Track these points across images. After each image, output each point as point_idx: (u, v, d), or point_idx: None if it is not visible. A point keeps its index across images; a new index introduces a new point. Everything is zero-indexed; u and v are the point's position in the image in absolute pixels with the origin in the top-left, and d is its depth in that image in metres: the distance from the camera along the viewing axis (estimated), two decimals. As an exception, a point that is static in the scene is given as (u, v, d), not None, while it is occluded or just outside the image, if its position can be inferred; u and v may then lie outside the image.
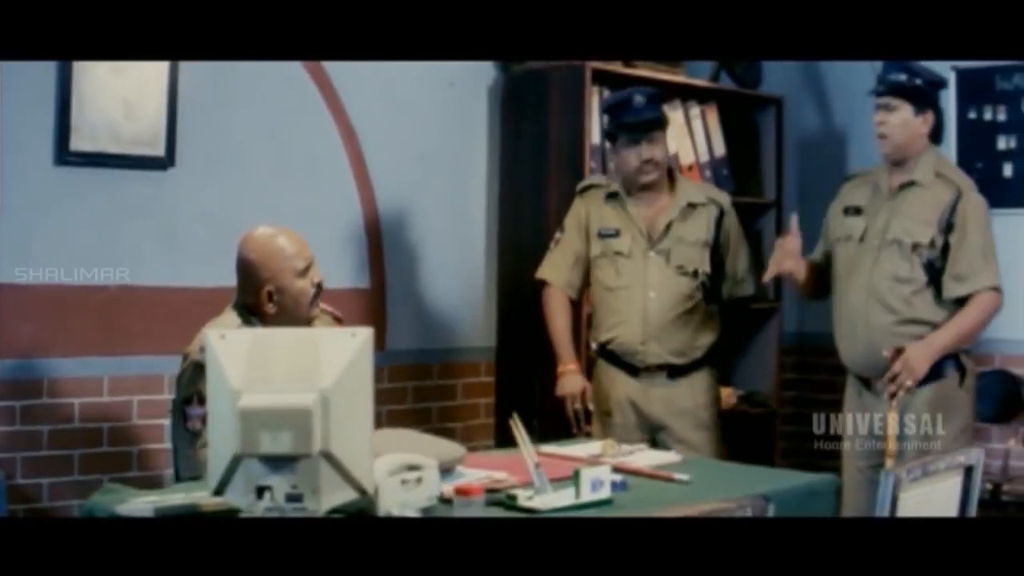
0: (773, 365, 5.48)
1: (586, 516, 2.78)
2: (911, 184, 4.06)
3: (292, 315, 3.39)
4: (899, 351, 3.91)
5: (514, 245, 5.10)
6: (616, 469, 3.12)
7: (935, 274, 4.00)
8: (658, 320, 4.23)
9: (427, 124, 4.99)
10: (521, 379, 5.00)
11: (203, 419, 3.19)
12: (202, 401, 3.19)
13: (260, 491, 2.48)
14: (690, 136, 5.25)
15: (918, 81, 4.05)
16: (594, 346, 4.43)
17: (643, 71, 5.00)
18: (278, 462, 2.46)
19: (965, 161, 4.96)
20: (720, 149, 5.35)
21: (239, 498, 2.53)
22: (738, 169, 5.42)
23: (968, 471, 3.00)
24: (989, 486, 4.68)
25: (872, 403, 4.06)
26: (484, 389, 5.20)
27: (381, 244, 4.87)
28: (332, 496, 2.51)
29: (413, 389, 4.98)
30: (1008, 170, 5.19)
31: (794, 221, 4.14)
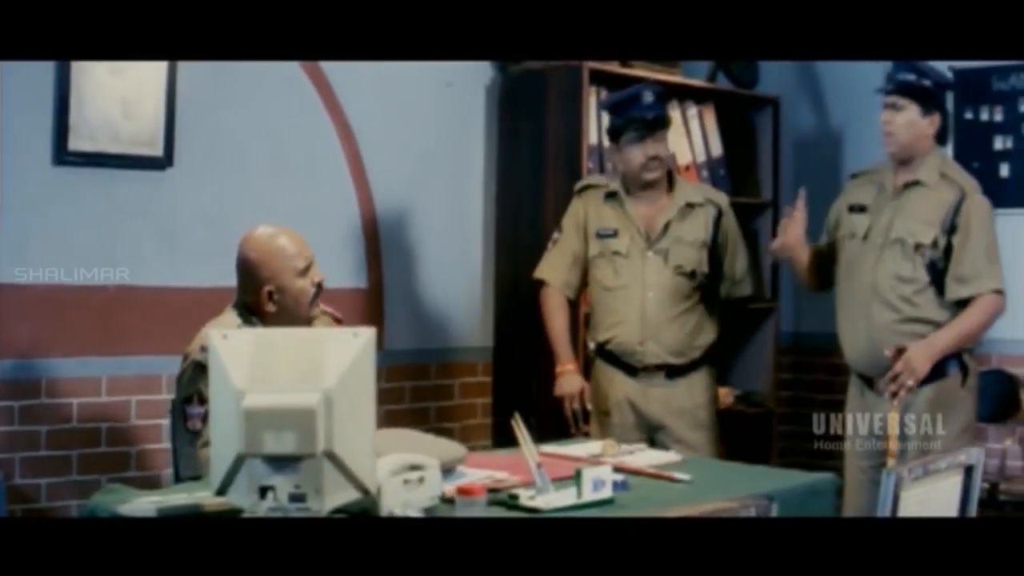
0: (769, 365, 5.49)
1: (589, 516, 2.78)
2: (915, 184, 4.06)
3: (292, 315, 3.39)
4: (901, 350, 3.91)
5: (511, 245, 5.10)
6: (617, 469, 3.12)
7: (937, 274, 3.99)
8: (656, 320, 4.24)
9: (425, 124, 4.99)
10: (518, 379, 5.00)
11: (203, 418, 3.20)
12: (202, 400, 3.20)
13: (263, 491, 2.48)
14: (687, 136, 5.25)
15: (926, 82, 4.04)
16: (591, 346, 4.43)
17: (640, 71, 5.01)
18: (281, 462, 2.45)
19: (962, 161, 4.91)
20: (717, 149, 5.36)
21: (242, 498, 2.53)
22: (735, 169, 5.43)
23: (968, 470, 3.01)
24: (986, 486, 4.69)
25: (874, 403, 4.06)
26: (481, 389, 5.20)
27: (379, 244, 4.88)
28: (335, 496, 2.51)
29: (411, 389, 4.99)
30: (1005, 170, 5.21)
31: (801, 195, 4.15)
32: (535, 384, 4.74)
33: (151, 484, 3.96)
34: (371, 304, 4.84)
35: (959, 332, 3.97)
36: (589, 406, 4.30)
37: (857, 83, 5.43)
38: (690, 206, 4.32)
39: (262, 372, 2.50)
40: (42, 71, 4.03)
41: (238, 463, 2.50)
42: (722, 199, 4.43)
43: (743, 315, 5.05)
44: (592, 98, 4.88)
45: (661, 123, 4.27)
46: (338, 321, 3.66)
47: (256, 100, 4.51)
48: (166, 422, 3.94)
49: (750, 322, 5.42)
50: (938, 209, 4.01)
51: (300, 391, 2.45)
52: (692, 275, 4.28)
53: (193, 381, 3.25)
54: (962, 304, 3.98)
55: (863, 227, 4.13)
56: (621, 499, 2.92)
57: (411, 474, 2.69)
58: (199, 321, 3.37)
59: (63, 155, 4.08)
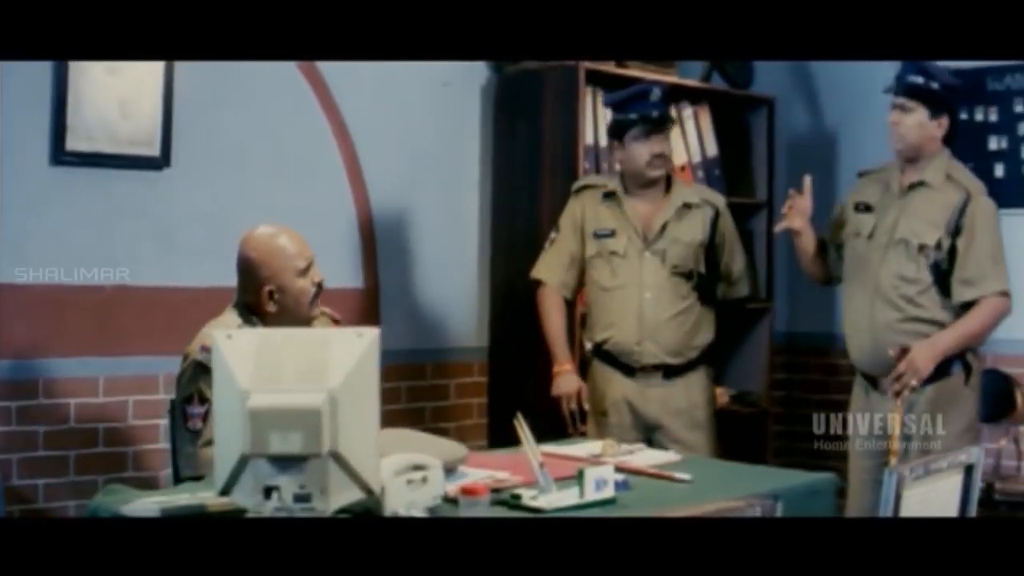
0: (764, 365, 5.49)
1: (592, 516, 2.78)
2: (920, 184, 4.07)
3: (293, 314, 3.39)
4: (905, 350, 3.91)
5: (507, 245, 5.10)
6: (617, 469, 3.12)
7: (941, 276, 4.00)
8: (653, 320, 4.24)
9: (421, 124, 4.99)
10: (514, 379, 5.00)
11: (203, 418, 3.20)
12: (203, 400, 3.20)
13: (268, 491, 2.48)
14: (682, 136, 5.26)
15: (934, 85, 4.03)
16: (588, 346, 4.43)
17: (636, 71, 5.01)
18: (286, 462, 2.45)
19: (956, 161, 4.97)
20: (712, 149, 5.36)
21: (246, 498, 2.53)
22: (730, 169, 5.43)
23: (969, 470, 3.02)
24: (982, 485, 4.69)
25: (879, 402, 4.07)
26: (477, 389, 5.20)
27: (375, 244, 4.87)
28: (340, 496, 2.51)
29: (406, 389, 4.98)
30: (999, 170, 5.22)
31: (807, 181, 4.16)
32: (531, 384, 4.74)
33: (149, 484, 3.96)
34: (367, 304, 4.83)
35: (963, 333, 3.98)
36: (586, 406, 4.30)
37: (852, 83, 5.46)
38: (687, 207, 4.32)
39: (267, 372, 2.49)
40: (40, 71, 4.02)
41: (242, 463, 2.49)
42: (719, 200, 4.44)
43: (738, 315, 5.05)
44: (588, 98, 4.88)
45: (667, 121, 4.29)
46: (336, 322, 3.66)
47: (253, 100, 4.51)
48: (164, 422, 3.94)
49: (745, 322, 5.42)
50: (943, 211, 4.02)
51: (305, 391, 2.45)
52: (689, 275, 4.29)
53: (193, 381, 3.25)
54: (967, 305, 3.99)
55: (868, 226, 4.13)
56: (623, 499, 2.93)
57: (414, 474, 2.69)
58: (197, 321, 3.36)
59: (60, 155, 4.07)
